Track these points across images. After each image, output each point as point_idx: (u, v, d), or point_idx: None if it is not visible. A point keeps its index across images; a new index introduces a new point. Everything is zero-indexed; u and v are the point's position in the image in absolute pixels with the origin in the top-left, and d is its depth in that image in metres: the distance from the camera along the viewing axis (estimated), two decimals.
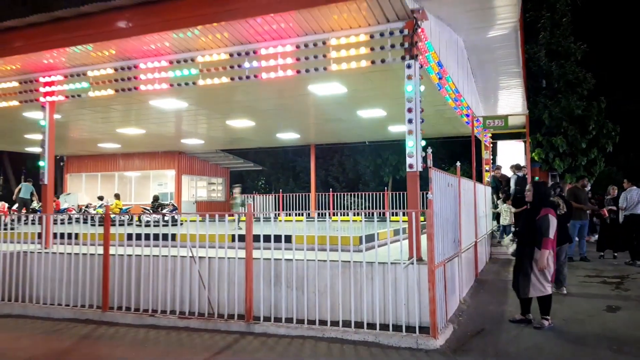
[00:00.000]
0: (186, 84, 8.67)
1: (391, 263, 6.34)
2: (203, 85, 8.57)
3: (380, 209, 21.13)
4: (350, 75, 9.93)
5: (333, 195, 21.62)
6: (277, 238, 7.00)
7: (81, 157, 25.57)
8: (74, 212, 22.93)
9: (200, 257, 7.56)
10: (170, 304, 7.37)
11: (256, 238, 7.26)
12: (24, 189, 18.62)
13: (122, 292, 7.71)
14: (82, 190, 25.72)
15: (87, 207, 22.41)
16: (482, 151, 18.19)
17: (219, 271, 7.46)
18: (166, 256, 7.58)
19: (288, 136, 18.74)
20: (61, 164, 26.56)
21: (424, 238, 6.53)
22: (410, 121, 7.18)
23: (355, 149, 28.78)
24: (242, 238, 7.45)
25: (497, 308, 7.65)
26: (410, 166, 7.14)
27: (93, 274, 8.01)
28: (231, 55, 8.15)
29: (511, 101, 17.05)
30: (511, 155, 18.62)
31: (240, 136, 18.51)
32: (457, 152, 24.66)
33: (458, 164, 8.51)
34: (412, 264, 6.37)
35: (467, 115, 13.90)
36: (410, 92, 7.18)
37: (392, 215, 14.02)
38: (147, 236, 7.78)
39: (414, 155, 7.09)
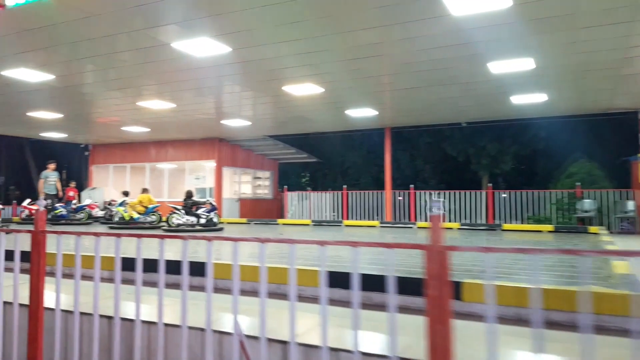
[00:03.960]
0: None
1: None
2: None
3: (477, 214, 16.09)
4: None
5: (414, 194, 16.71)
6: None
7: (108, 146, 21.72)
8: (96, 209, 19.06)
9: (275, 341, 2.94)
10: None
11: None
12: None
13: None
14: (109, 184, 21.87)
15: (109, 204, 18.47)
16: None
17: None
18: (178, 327, 3.04)
19: (362, 113, 14.00)
20: (86, 153, 22.81)
21: None
22: None
23: (440, 133, 23.18)
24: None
25: None
26: None
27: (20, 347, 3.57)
28: None
29: None
30: None
31: (300, 113, 13.94)
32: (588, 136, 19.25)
33: None
34: None
35: None
36: None
37: None
38: (151, 265, 3.28)
39: None
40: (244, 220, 17.93)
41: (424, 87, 10.73)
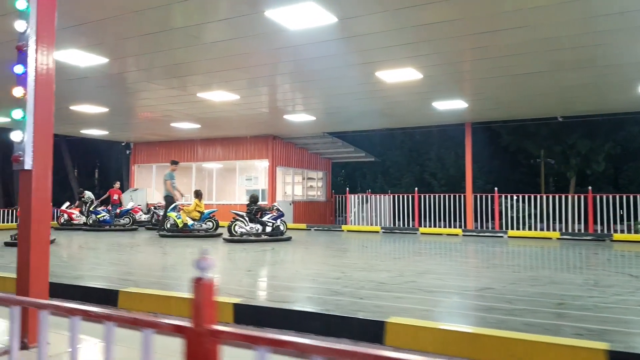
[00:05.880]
0: None
1: None
2: None
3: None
4: None
5: (498, 197, 14.70)
6: None
7: (151, 144, 20.28)
8: (140, 213, 17.65)
9: None
10: None
11: None
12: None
13: None
14: (152, 185, 20.42)
15: (155, 208, 16.98)
16: None
17: None
18: None
19: (449, 106, 12.13)
20: (127, 152, 21.47)
21: None
22: None
23: (523, 129, 20.60)
24: None
25: None
26: None
27: None
28: None
29: None
30: None
31: (379, 106, 12.14)
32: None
33: None
34: None
35: None
36: None
37: None
38: None
39: None
40: (302, 225, 16.22)
41: (550, 71, 8.77)
